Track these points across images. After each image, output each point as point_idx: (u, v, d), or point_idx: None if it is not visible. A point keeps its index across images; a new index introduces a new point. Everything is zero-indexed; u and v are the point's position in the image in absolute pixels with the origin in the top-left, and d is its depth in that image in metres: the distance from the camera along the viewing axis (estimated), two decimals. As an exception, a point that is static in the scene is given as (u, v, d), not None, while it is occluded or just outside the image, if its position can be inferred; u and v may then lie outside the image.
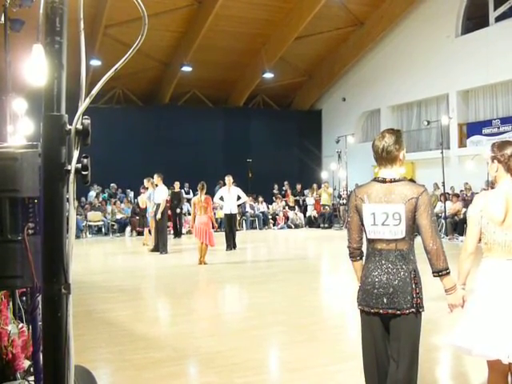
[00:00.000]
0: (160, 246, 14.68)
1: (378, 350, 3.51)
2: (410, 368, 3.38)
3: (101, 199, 21.63)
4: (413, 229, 3.38)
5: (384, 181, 3.41)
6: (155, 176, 15.08)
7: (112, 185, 23.17)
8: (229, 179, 15.19)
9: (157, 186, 15.15)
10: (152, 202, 15.37)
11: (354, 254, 3.62)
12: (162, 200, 14.65)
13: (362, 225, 3.50)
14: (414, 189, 3.35)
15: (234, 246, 15.14)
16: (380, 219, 3.36)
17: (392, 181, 3.39)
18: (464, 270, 3.58)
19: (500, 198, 3.46)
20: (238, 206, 17.22)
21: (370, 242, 3.48)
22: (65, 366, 1.79)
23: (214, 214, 18.35)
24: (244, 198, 16.04)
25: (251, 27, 21.90)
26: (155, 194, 15.04)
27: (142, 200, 16.83)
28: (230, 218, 15.23)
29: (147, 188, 16.28)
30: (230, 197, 15.15)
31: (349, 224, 3.63)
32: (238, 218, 19.64)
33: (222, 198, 15.34)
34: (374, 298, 3.40)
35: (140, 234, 18.79)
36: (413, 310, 3.33)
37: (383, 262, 3.39)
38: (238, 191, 15.40)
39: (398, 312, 3.35)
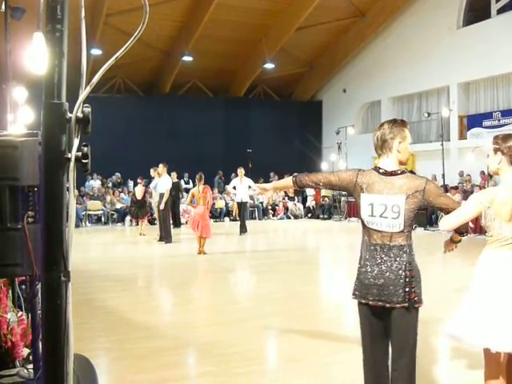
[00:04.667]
0: (164, 236, 14.73)
1: (374, 343, 3.41)
2: (408, 364, 3.29)
3: (100, 187, 21.65)
4: (412, 221, 3.32)
5: (385, 173, 3.33)
6: (160, 166, 15.15)
7: (117, 174, 23.18)
8: (241, 171, 16.85)
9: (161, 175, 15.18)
10: (157, 192, 15.41)
11: (296, 180, 3.60)
12: (166, 190, 14.68)
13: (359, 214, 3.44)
14: (416, 181, 3.29)
15: (245, 230, 16.65)
16: (378, 211, 3.29)
17: (393, 173, 3.31)
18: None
19: (508, 195, 3.41)
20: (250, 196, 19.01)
21: (367, 231, 3.40)
22: (64, 354, 1.80)
23: (214, 204, 18.82)
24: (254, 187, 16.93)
25: (252, 17, 21.82)
26: (159, 184, 15.07)
27: (139, 191, 16.78)
28: (241, 205, 16.87)
29: (143, 178, 16.41)
30: (241, 187, 16.79)
31: (327, 174, 3.56)
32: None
33: (234, 188, 17.17)
34: (365, 288, 3.35)
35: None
36: (405, 304, 3.23)
37: (377, 253, 3.32)
38: (250, 182, 16.73)
39: (388, 305, 3.27)
